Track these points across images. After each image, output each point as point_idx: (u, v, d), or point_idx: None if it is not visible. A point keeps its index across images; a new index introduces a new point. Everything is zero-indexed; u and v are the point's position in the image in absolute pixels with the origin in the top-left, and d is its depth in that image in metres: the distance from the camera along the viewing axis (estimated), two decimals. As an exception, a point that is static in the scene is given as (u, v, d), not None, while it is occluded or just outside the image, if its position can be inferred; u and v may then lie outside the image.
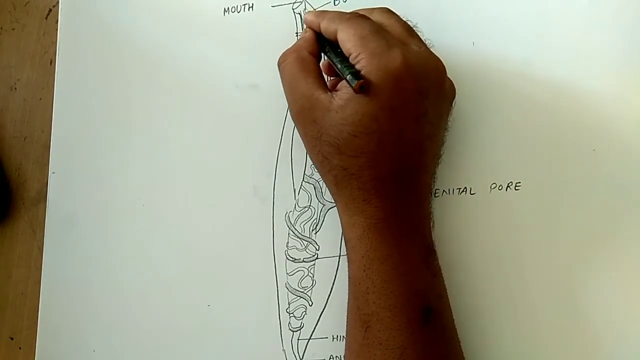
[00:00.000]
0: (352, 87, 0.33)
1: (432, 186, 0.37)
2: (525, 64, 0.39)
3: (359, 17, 0.36)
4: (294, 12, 0.45)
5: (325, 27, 0.37)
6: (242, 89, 0.45)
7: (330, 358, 0.40)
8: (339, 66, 0.35)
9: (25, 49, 0.53)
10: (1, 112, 0.53)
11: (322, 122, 0.34)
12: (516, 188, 0.38)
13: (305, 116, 0.35)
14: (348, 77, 0.33)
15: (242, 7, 0.47)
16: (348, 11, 0.37)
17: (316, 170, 0.42)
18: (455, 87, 0.37)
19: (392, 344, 0.32)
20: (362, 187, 0.34)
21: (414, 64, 0.33)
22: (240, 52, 0.46)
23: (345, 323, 0.35)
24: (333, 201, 0.41)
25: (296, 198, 0.42)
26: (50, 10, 0.53)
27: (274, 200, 0.43)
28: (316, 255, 0.41)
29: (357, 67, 0.33)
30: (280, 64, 0.38)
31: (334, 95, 0.34)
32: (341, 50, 0.36)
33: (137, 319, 0.44)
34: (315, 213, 0.42)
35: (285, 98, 0.37)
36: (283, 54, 0.38)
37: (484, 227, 0.38)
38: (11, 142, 0.52)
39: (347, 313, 0.35)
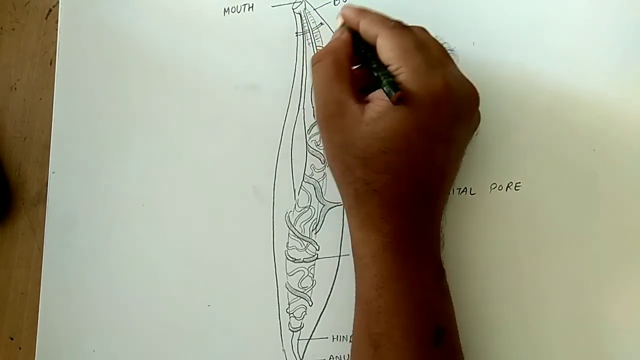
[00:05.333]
0: (389, 97, 0.32)
1: (444, 207, 0.36)
2: (525, 64, 0.39)
3: (403, 27, 0.35)
4: (294, 12, 0.45)
5: (365, 28, 0.35)
6: (242, 89, 0.45)
7: (330, 358, 0.40)
8: (376, 73, 0.34)
9: (25, 49, 0.53)
10: (1, 112, 0.53)
11: (351, 133, 0.33)
12: (516, 188, 0.38)
13: (333, 123, 0.34)
14: (385, 86, 0.32)
15: (242, 7, 0.47)
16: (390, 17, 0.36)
17: (316, 171, 0.42)
18: None
19: None
20: (382, 204, 0.33)
21: (454, 88, 0.33)
22: (240, 52, 0.46)
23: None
24: (333, 201, 0.41)
25: (296, 198, 0.42)
26: (50, 10, 0.53)
27: (274, 200, 0.43)
28: (316, 256, 0.41)
29: (396, 80, 0.33)
30: (314, 62, 0.36)
31: (365, 107, 0.33)
32: (377, 56, 0.35)
33: (137, 319, 0.44)
34: (315, 213, 0.42)
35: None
36: (319, 53, 0.36)
37: (484, 227, 0.38)
38: (11, 142, 0.52)
39: (354, 329, 0.35)
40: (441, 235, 0.36)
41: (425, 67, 0.33)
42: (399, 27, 0.35)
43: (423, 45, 0.34)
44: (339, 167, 0.35)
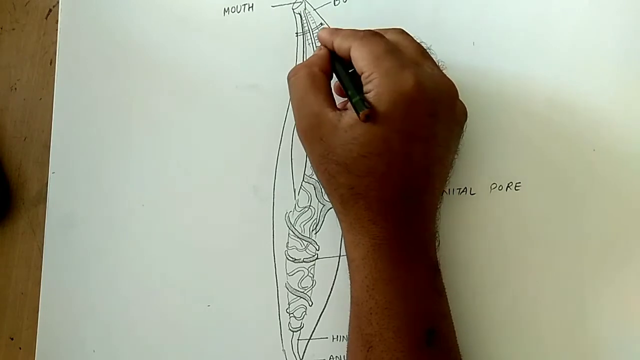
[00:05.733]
0: (357, 114, 0.33)
1: (439, 207, 0.36)
2: (525, 64, 0.39)
3: (374, 35, 0.35)
4: (294, 12, 0.45)
5: (339, 44, 0.36)
6: (242, 89, 0.45)
7: (330, 358, 0.40)
8: (348, 92, 0.35)
9: (25, 49, 0.53)
10: (1, 112, 0.53)
11: (330, 141, 0.34)
12: (516, 188, 0.38)
13: (312, 133, 0.35)
14: (354, 103, 0.33)
15: (242, 7, 0.47)
16: (360, 28, 0.36)
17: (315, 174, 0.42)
18: (457, 88, 0.37)
19: None
20: (368, 207, 0.33)
21: (427, 86, 0.33)
22: (240, 52, 0.46)
23: (347, 325, 0.35)
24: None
25: (296, 198, 0.42)
26: (50, 10, 0.53)
27: (274, 200, 0.43)
28: (316, 256, 0.41)
29: (369, 86, 0.33)
30: (290, 78, 0.37)
31: (342, 114, 0.34)
32: (353, 71, 0.35)
33: (137, 319, 0.44)
34: (315, 213, 0.42)
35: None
36: (294, 68, 0.37)
37: (483, 228, 0.38)
38: (11, 142, 0.52)
39: (349, 331, 0.35)
40: (437, 235, 0.36)
41: (396, 69, 0.33)
42: (369, 35, 0.35)
43: (394, 48, 0.34)
44: (323, 175, 0.35)
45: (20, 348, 0.48)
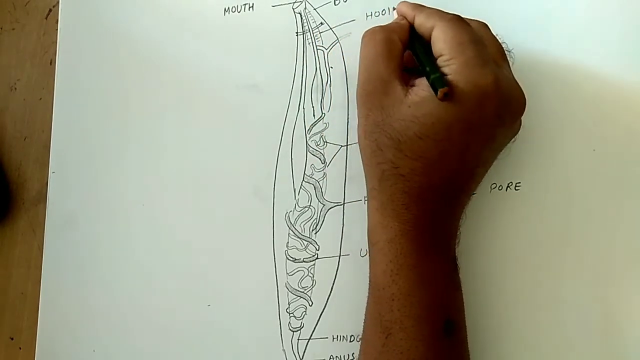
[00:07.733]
0: (435, 91, 0.32)
1: (466, 206, 0.36)
2: (524, 63, 0.39)
3: (460, 20, 0.34)
4: (294, 12, 0.45)
5: (422, 21, 0.35)
6: (242, 89, 0.45)
7: (330, 358, 0.40)
8: (427, 67, 0.33)
9: (25, 49, 0.53)
10: (1, 112, 0.53)
11: (390, 112, 0.33)
12: (516, 188, 0.38)
13: (374, 99, 0.34)
14: (433, 79, 0.32)
15: (243, 7, 0.47)
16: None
17: (316, 171, 0.42)
18: None
19: (413, 354, 0.32)
20: (407, 191, 0.33)
21: (503, 88, 0.32)
22: (240, 52, 0.46)
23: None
24: (333, 201, 0.41)
25: (296, 198, 0.42)
26: (50, 10, 0.53)
27: (274, 200, 0.43)
28: (316, 255, 0.41)
29: (445, 70, 0.32)
30: (365, 36, 0.36)
31: (410, 89, 0.33)
32: (429, 50, 0.34)
33: (137, 319, 0.44)
34: (315, 213, 0.42)
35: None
36: (372, 29, 0.36)
37: (483, 228, 0.38)
38: (11, 142, 0.52)
39: (366, 316, 0.35)
40: (458, 232, 0.36)
41: (477, 61, 0.32)
42: (456, 19, 0.34)
43: (479, 40, 0.34)
44: (370, 145, 0.34)
45: (20, 348, 0.48)
